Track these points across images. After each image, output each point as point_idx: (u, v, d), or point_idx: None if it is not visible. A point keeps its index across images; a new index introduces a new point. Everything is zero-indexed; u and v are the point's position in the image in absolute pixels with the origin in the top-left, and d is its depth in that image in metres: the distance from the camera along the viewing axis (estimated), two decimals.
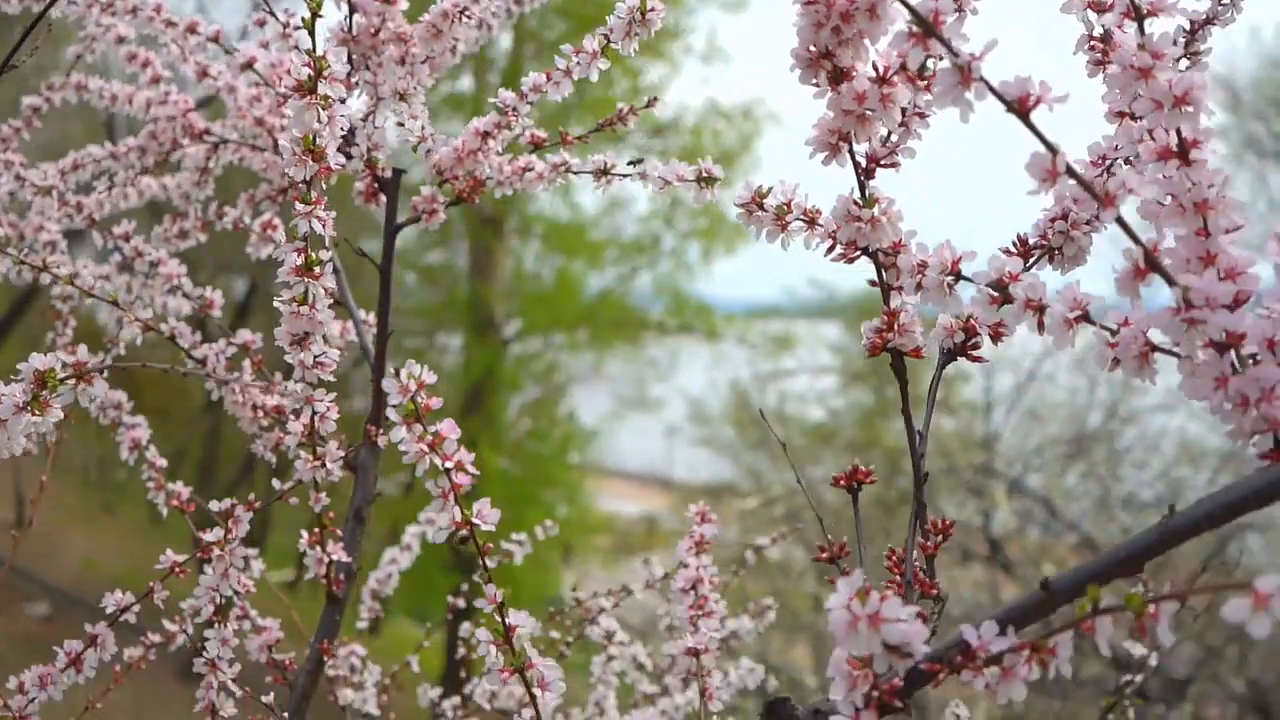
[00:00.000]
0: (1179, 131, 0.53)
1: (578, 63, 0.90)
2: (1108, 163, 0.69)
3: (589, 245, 11.64)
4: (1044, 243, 0.68)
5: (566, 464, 11.13)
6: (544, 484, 10.59)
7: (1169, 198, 0.54)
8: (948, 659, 0.52)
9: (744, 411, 10.52)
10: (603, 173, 0.95)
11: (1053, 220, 0.68)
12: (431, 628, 1.89)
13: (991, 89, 0.50)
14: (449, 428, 0.62)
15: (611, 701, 1.23)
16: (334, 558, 0.96)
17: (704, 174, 0.83)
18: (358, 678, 1.28)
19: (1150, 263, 0.51)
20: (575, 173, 0.97)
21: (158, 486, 1.08)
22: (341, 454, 0.90)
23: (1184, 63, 0.72)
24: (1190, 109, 0.52)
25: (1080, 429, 7.20)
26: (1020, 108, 0.50)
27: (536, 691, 0.64)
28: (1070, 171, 0.50)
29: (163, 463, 1.09)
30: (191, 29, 1.08)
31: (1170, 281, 0.51)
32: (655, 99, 1.00)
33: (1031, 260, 0.68)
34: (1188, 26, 0.73)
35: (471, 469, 0.62)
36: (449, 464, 0.62)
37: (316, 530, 0.95)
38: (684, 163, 0.85)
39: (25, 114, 1.31)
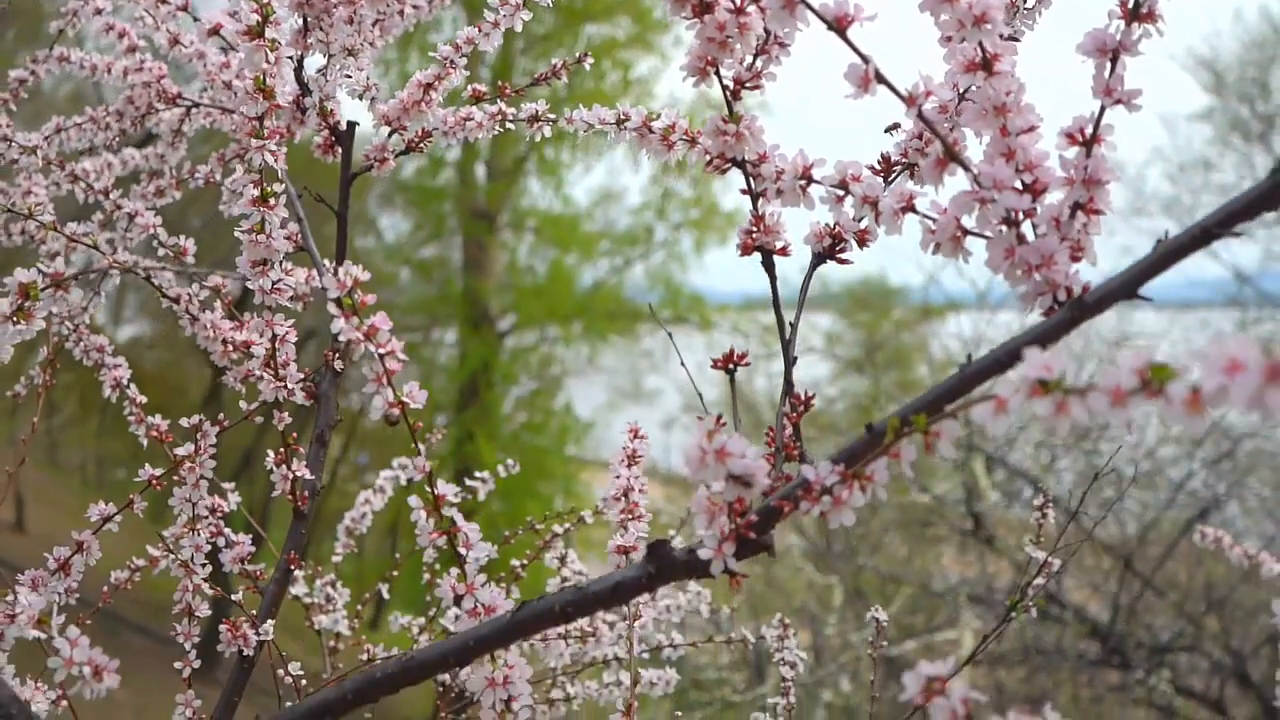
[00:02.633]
0: (982, 46, 0.63)
1: (504, 15, 1.00)
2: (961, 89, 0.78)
3: (582, 238, 11.73)
4: (904, 159, 0.77)
5: (563, 456, 11.21)
6: (541, 477, 10.67)
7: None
8: (793, 496, 0.62)
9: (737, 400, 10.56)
10: (535, 119, 1.04)
11: (911, 139, 0.77)
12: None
13: (813, 10, 0.60)
14: (382, 319, 0.71)
15: (560, 632, 1.33)
16: (298, 475, 1.06)
17: (621, 116, 0.92)
18: (330, 606, 1.38)
19: (950, 154, 0.61)
20: (512, 121, 1.07)
21: (138, 420, 1.17)
22: (301, 375, 0.99)
23: (1031, 0, 0.82)
24: (989, 27, 0.62)
25: None
26: (839, 25, 0.60)
27: (462, 550, 0.74)
28: (879, 78, 0.60)
29: (143, 399, 1.19)
30: None
31: (966, 168, 0.60)
32: (585, 55, 1.09)
33: (894, 174, 0.78)
34: None
35: (401, 356, 0.72)
36: (382, 350, 0.71)
37: (282, 450, 1.05)
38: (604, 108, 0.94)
39: (12, 87, 1.41)
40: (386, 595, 1.48)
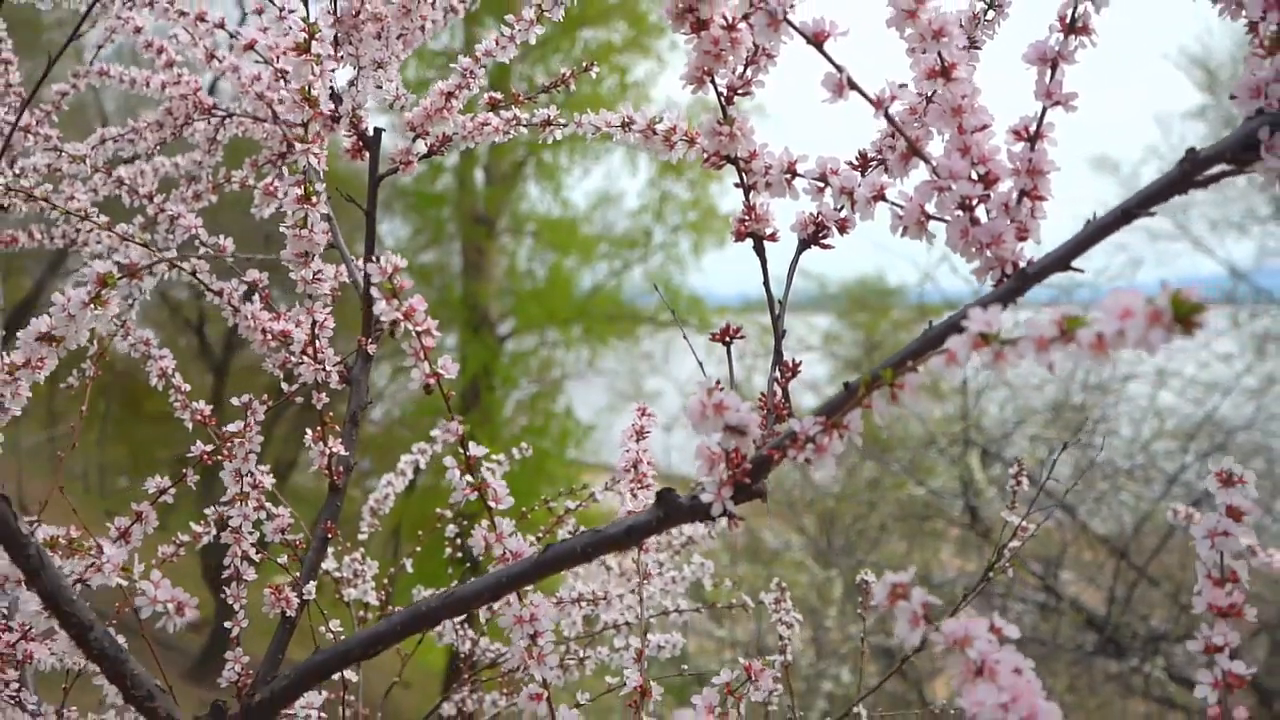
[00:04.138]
0: (940, 56, 0.73)
1: (519, 29, 1.10)
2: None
3: (580, 241, 11.84)
4: (878, 156, 0.87)
5: (564, 459, 11.30)
6: (542, 479, 10.76)
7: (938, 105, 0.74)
8: (782, 446, 0.72)
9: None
10: (546, 123, 1.15)
11: (884, 138, 0.87)
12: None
13: (794, 27, 0.70)
14: (419, 301, 0.81)
15: (581, 587, 1.43)
16: (334, 452, 1.16)
17: (626, 120, 1.02)
18: (359, 580, 1.48)
19: (912, 149, 0.71)
20: (526, 125, 1.17)
21: (182, 406, 1.27)
22: (338, 359, 1.09)
23: (990, 13, 0.92)
24: (946, 39, 0.72)
25: (1063, 401, 7.42)
26: (817, 40, 0.70)
27: (491, 504, 0.84)
28: (851, 84, 0.70)
29: (186, 387, 1.29)
30: (200, 17, 1.28)
31: (926, 161, 0.70)
32: (592, 63, 1.19)
33: (870, 169, 0.88)
34: None
35: (435, 333, 0.82)
36: (420, 328, 0.81)
37: (319, 428, 1.15)
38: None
39: (54, 98, 1.51)
40: (410, 569, 1.58)
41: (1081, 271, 0.67)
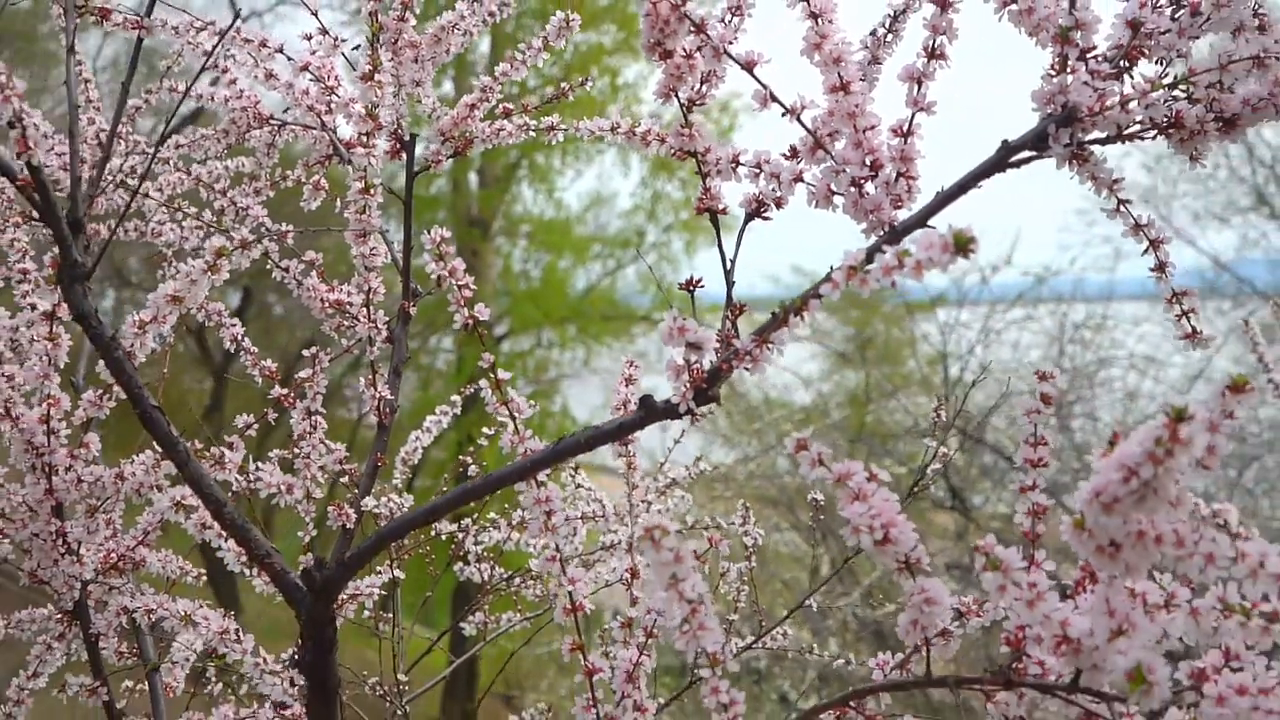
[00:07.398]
0: (839, 75, 1.00)
1: (529, 55, 1.38)
2: None
3: (574, 242, 12.11)
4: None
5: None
6: None
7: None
8: (729, 360, 0.99)
9: (730, 403, 10.91)
10: (552, 128, 1.42)
11: (805, 136, 1.15)
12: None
13: (731, 57, 0.97)
14: (460, 262, 1.09)
15: (583, 507, 1.71)
16: (383, 395, 1.43)
17: (615, 124, 1.30)
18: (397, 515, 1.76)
19: (817, 144, 0.99)
20: (534, 130, 1.44)
21: (253, 364, 1.55)
22: (387, 318, 1.37)
23: (889, 36, 1.20)
24: (843, 64, 1.00)
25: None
26: (748, 66, 0.98)
27: (516, 414, 1.11)
28: (772, 97, 0.98)
29: (255, 349, 1.56)
30: (263, 44, 1.55)
31: (827, 152, 0.98)
32: (587, 78, 1.47)
33: (797, 159, 1.15)
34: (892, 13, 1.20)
35: (472, 286, 1.09)
36: (461, 282, 1.09)
37: (370, 376, 1.43)
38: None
39: (129, 112, 1.78)
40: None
41: (934, 229, 0.94)
